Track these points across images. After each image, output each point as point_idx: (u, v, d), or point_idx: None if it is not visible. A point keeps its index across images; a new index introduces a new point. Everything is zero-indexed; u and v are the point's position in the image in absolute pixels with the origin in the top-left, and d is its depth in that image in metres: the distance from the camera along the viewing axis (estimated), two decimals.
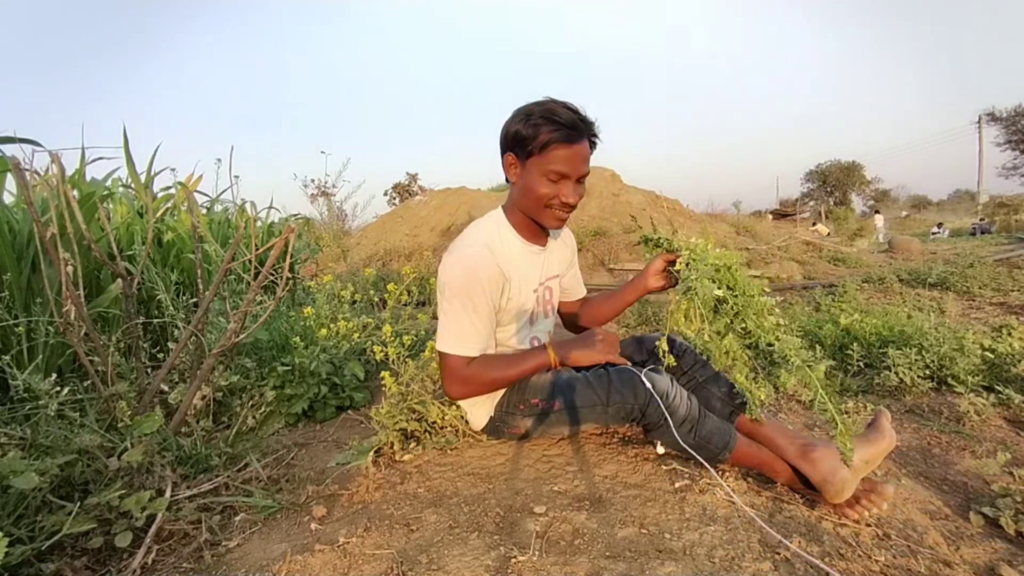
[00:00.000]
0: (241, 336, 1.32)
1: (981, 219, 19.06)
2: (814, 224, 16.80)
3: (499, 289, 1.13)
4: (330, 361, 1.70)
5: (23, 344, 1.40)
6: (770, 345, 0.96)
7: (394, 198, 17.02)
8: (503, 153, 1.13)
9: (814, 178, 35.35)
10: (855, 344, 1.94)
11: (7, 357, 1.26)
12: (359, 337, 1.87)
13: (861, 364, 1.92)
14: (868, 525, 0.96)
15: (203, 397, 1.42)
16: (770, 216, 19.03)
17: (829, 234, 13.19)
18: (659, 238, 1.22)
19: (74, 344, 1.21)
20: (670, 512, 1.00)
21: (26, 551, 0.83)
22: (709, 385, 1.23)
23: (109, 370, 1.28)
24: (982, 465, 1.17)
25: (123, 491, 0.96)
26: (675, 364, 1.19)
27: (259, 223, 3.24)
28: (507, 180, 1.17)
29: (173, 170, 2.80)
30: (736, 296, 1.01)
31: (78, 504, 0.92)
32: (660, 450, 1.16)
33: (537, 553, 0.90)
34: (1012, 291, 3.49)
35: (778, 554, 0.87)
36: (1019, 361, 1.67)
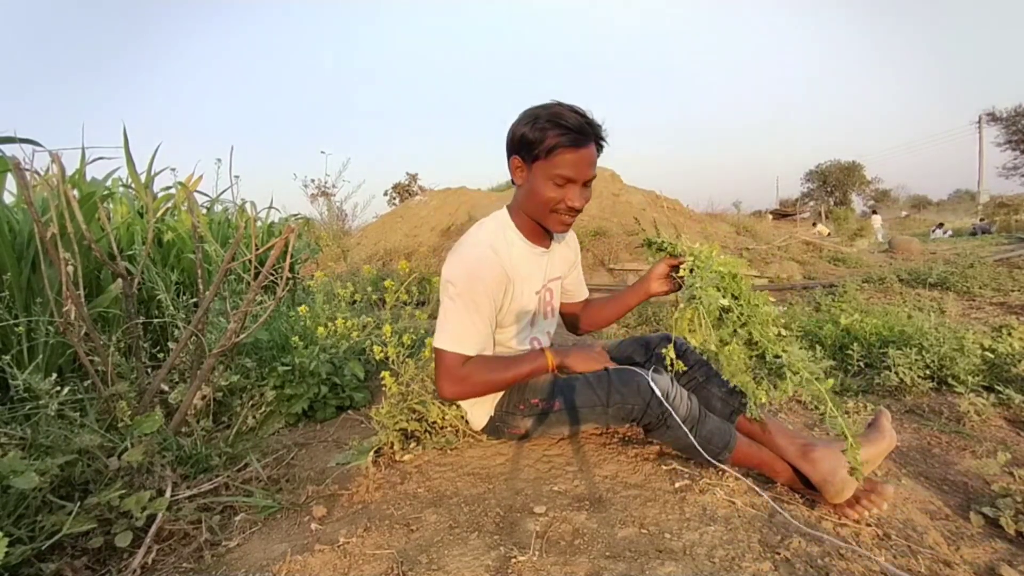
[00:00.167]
0: (241, 336, 1.32)
1: (981, 219, 19.03)
2: (814, 224, 16.80)
3: (502, 290, 1.13)
4: (330, 361, 1.70)
5: (23, 344, 1.40)
6: (777, 357, 0.95)
7: (394, 198, 17.01)
8: (509, 156, 1.13)
9: (814, 178, 35.35)
10: (855, 344, 1.94)
11: (7, 357, 1.26)
12: (358, 336, 1.87)
13: (861, 364, 1.92)
14: (868, 525, 0.96)
15: (203, 397, 1.42)
16: (770, 216, 19.02)
17: (829, 234, 13.18)
18: (662, 242, 1.21)
19: (74, 344, 1.21)
20: (670, 512, 1.00)
21: (26, 551, 0.83)
22: (709, 385, 1.23)
23: (109, 370, 1.28)
24: (982, 465, 1.17)
25: (123, 491, 0.96)
26: (684, 370, 1.20)
27: (259, 223, 3.24)
28: (512, 182, 1.16)
29: (173, 170, 2.81)
30: (741, 305, 0.99)
31: (78, 504, 0.92)
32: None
33: (537, 553, 0.90)
34: (1012, 291, 3.49)
35: (778, 554, 0.87)
36: (1019, 361, 1.67)
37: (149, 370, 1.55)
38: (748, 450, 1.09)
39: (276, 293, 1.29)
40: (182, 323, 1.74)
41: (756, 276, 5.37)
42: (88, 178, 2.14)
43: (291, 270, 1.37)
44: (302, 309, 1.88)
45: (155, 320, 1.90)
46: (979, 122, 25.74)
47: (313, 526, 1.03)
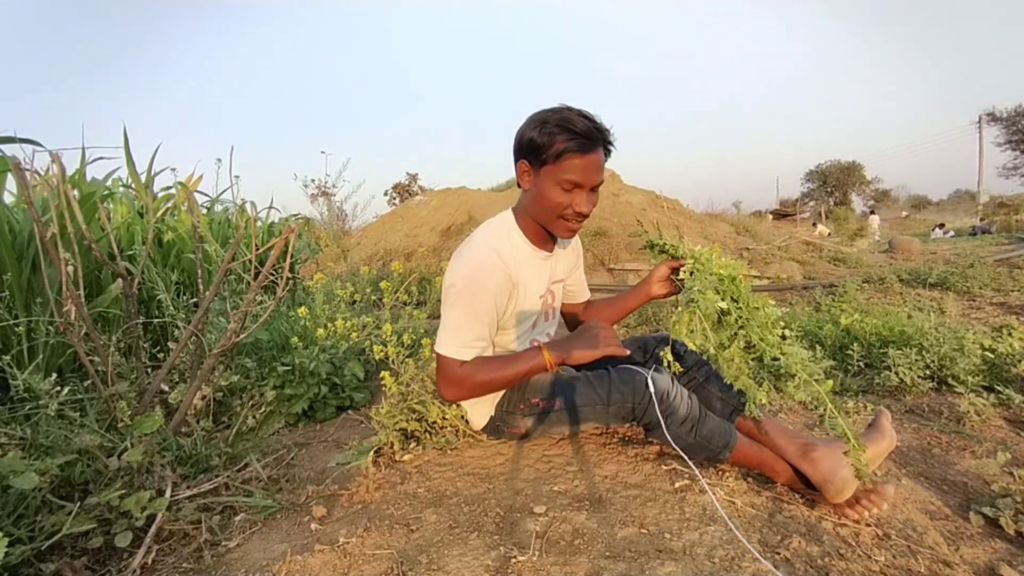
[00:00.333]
0: (241, 336, 1.32)
1: (982, 219, 19.02)
2: (814, 224, 16.79)
3: (506, 295, 1.13)
4: (330, 361, 1.70)
5: (23, 344, 1.40)
6: (775, 359, 0.94)
7: (394, 198, 17.02)
8: (516, 160, 1.12)
9: (814, 178, 35.36)
10: (855, 344, 1.94)
11: (7, 357, 1.26)
12: (358, 336, 1.87)
13: (861, 364, 1.92)
14: (868, 525, 0.96)
15: (203, 397, 1.42)
16: (770, 216, 19.03)
17: (829, 234, 13.17)
18: (664, 244, 1.20)
19: (74, 344, 1.21)
20: (670, 512, 1.00)
21: (26, 551, 0.83)
22: (709, 385, 1.23)
23: (109, 370, 1.28)
24: (982, 465, 1.17)
25: (123, 491, 0.96)
26: (681, 371, 1.19)
27: (259, 223, 3.25)
28: (519, 186, 1.16)
29: (173, 170, 2.81)
30: (740, 308, 0.99)
31: (78, 504, 0.92)
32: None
33: (537, 553, 0.90)
34: (1012, 291, 3.49)
35: (778, 554, 0.87)
36: (1019, 361, 1.67)
37: (149, 370, 1.55)
38: (748, 450, 1.08)
39: (276, 293, 1.29)
40: (182, 323, 1.74)
41: (756, 276, 5.37)
42: (88, 178, 2.14)
43: (291, 270, 1.37)
44: (302, 311, 1.88)
45: (155, 320, 1.90)
46: (979, 122, 25.75)
47: (313, 526, 1.03)
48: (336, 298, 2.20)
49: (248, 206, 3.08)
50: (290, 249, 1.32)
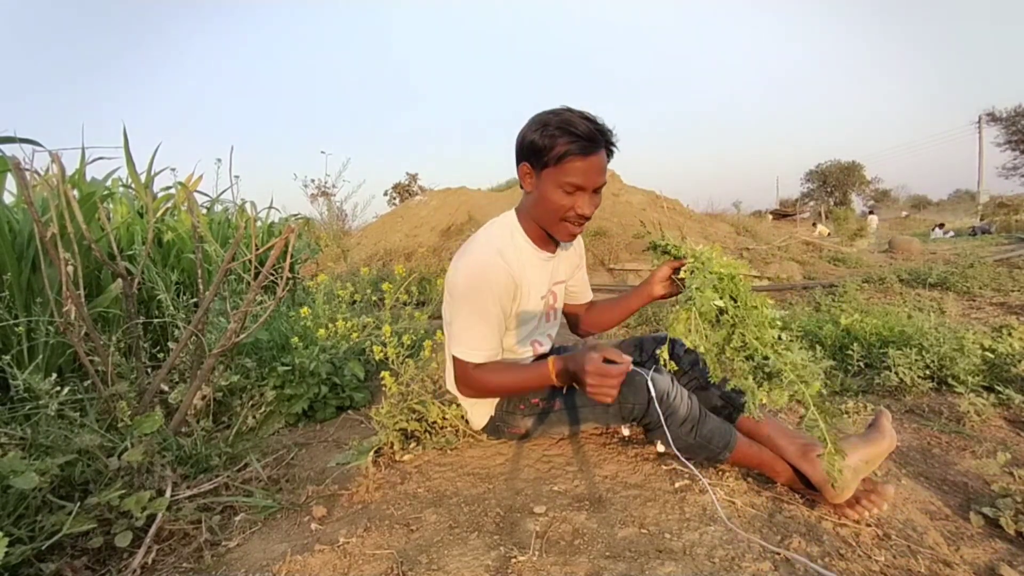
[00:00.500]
0: (241, 336, 1.32)
1: (982, 219, 19.02)
2: (814, 224, 16.78)
3: (511, 296, 1.13)
4: (330, 361, 1.70)
5: (23, 344, 1.40)
6: (765, 359, 0.93)
7: (394, 198, 17.02)
8: (518, 162, 1.11)
9: (814, 178, 35.36)
10: (855, 344, 1.94)
11: (7, 357, 1.26)
12: (358, 337, 1.87)
13: (861, 364, 1.92)
14: (868, 525, 0.96)
15: (203, 397, 1.42)
16: (770, 216, 19.04)
17: (829, 234, 13.17)
18: (666, 244, 1.20)
19: (74, 344, 1.21)
20: (670, 512, 1.00)
21: (26, 551, 0.83)
22: (709, 385, 1.23)
23: (109, 370, 1.28)
24: (982, 465, 1.17)
25: (123, 491, 0.96)
26: (676, 370, 1.18)
27: (259, 223, 3.25)
28: (521, 188, 1.16)
29: (173, 170, 2.81)
30: (737, 307, 0.99)
31: (78, 504, 0.92)
32: (660, 448, 1.16)
33: (537, 553, 0.90)
34: (1012, 291, 3.49)
35: (778, 554, 0.87)
36: (1019, 361, 1.67)
37: (149, 370, 1.55)
38: (748, 450, 1.08)
39: (276, 293, 1.29)
40: (182, 323, 1.74)
41: (756, 276, 5.37)
42: (88, 178, 2.14)
43: (291, 270, 1.37)
44: (304, 311, 1.88)
45: (155, 320, 1.90)
46: (979, 122, 25.75)
47: (313, 526, 1.03)
48: (336, 298, 2.20)
49: (248, 206, 3.08)
50: (290, 249, 1.32)
